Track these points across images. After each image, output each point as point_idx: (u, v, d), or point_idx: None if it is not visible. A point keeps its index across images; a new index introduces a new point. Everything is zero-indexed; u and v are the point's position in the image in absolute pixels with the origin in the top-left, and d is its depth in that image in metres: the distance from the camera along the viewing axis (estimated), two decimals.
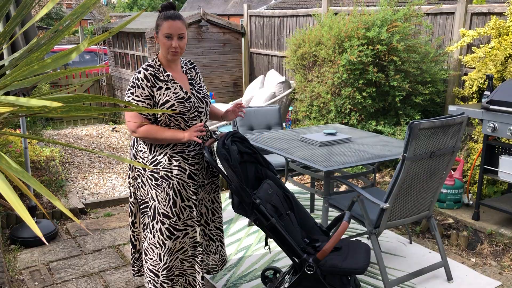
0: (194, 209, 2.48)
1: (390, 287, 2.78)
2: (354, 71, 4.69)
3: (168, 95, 2.37)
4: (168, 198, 2.42)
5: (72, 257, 3.40)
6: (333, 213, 3.92)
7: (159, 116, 2.37)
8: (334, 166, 2.93)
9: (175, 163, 2.42)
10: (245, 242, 3.62)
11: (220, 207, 2.71)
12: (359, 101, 4.75)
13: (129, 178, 2.57)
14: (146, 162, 2.44)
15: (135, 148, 2.51)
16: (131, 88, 2.36)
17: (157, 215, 2.44)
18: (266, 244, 2.47)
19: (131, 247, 2.67)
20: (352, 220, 2.78)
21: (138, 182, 2.51)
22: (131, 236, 2.64)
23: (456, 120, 2.68)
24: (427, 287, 3.01)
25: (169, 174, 2.42)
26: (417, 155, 2.59)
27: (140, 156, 2.48)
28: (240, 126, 4.27)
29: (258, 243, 3.60)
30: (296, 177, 4.92)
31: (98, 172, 5.58)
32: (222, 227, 2.75)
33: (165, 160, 2.41)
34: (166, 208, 2.43)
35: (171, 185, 2.42)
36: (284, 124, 5.28)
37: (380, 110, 4.93)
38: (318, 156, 3.15)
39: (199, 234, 2.52)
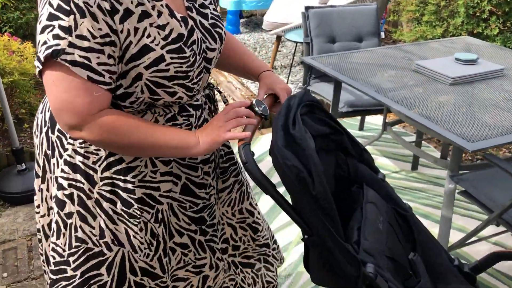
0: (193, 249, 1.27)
1: None
2: None
3: (149, 35, 0.99)
4: (150, 242, 1.17)
5: None
6: (462, 204, 2.55)
7: (126, 86, 1.02)
8: (489, 141, 1.53)
9: (163, 168, 1.14)
10: (295, 254, 2.39)
11: (260, 217, 1.46)
12: None
13: (41, 202, 1.23)
14: (98, 166, 1.10)
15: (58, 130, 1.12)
16: (54, 19, 0.92)
17: (128, 273, 1.17)
18: None
19: None
20: None
21: (69, 214, 1.13)
22: None
23: None
24: None
25: (154, 193, 1.15)
26: None
27: (75, 153, 1.10)
28: (315, 36, 2.84)
29: None
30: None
31: None
32: (269, 239, 1.53)
33: (144, 165, 1.12)
34: (148, 259, 1.17)
35: (157, 214, 1.16)
36: (382, 31, 3.66)
37: None
38: (452, 110, 1.74)
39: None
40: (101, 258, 1.13)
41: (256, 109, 1.11)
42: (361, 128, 3.30)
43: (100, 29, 0.92)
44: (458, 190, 1.86)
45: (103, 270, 1.13)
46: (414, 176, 2.73)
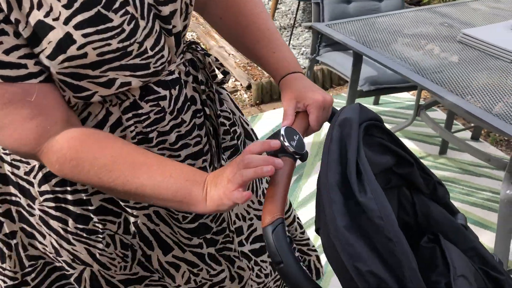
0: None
1: None
2: None
3: (40, 4, 0.60)
4: (124, 254, 0.90)
5: None
6: None
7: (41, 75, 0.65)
8: None
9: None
10: None
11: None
12: None
13: None
14: (32, 178, 0.79)
15: None
16: None
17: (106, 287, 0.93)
18: None
19: None
20: None
21: (12, 234, 0.87)
22: None
23: None
24: None
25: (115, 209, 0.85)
26: None
27: (1, 161, 0.81)
28: None
29: None
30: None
31: None
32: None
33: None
34: (127, 269, 0.92)
35: (127, 225, 0.87)
36: None
37: None
38: (509, 97, 1.32)
39: None
40: (66, 272, 0.90)
41: (287, 144, 0.67)
42: (376, 102, 2.86)
43: None
44: None
45: (72, 281, 0.91)
46: (444, 163, 2.32)
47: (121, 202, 0.82)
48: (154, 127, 0.77)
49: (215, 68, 0.87)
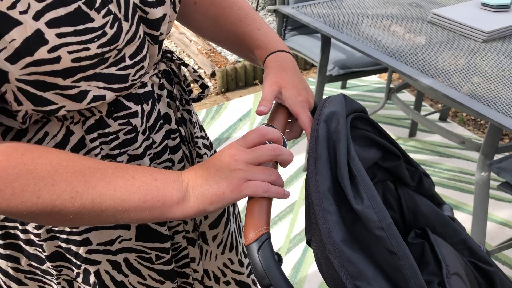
0: None
1: None
2: None
3: None
4: None
5: None
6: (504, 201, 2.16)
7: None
8: None
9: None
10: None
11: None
12: None
13: None
14: None
15: None
16: None
17: None
18: None
19: None
20: None
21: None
22: None
23: None
24: None
25: (79, 249, 0.69)
26: None
27: None
28: None
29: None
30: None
31: None
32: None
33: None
34: None
35: (88, 275, 0.71)
36: None
37: None
38: (493, 78, 1.28)
39: None
40: None
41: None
42: (343, 86, 2.82)
43: None
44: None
45: None
46: (414, 145, 2.30)
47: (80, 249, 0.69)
48: (124, 150, 0.65)
49: (195, 81, 0.77)
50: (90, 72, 0.54)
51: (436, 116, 2.51)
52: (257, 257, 0.47)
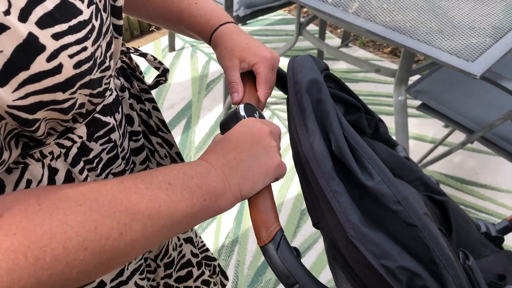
0: None
1: None
2: None
3: None
4: None
5: None
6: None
7: None
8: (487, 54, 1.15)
9: None
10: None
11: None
12: None
13: None
14: None
15: None
16: None
17: None
18: None
19: None
20: None
21: None
22: None
23: None
24: None
25: None
26: None
27: None
28: None
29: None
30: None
31: None
32: None
33: None
34: None
35: None
36: None
37: None
38: (407, 4, 1.31)
39: None
40: None
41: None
42: (244, 23, 2.74)
43: None
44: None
45: None
46: None
47: None
48: (108, 170, 0.56)
49: (155, 68, 0.67)
50: (87, 78, 0.43)
51: (337, 41, 2.57)
52: (277, 258, 0.44)
